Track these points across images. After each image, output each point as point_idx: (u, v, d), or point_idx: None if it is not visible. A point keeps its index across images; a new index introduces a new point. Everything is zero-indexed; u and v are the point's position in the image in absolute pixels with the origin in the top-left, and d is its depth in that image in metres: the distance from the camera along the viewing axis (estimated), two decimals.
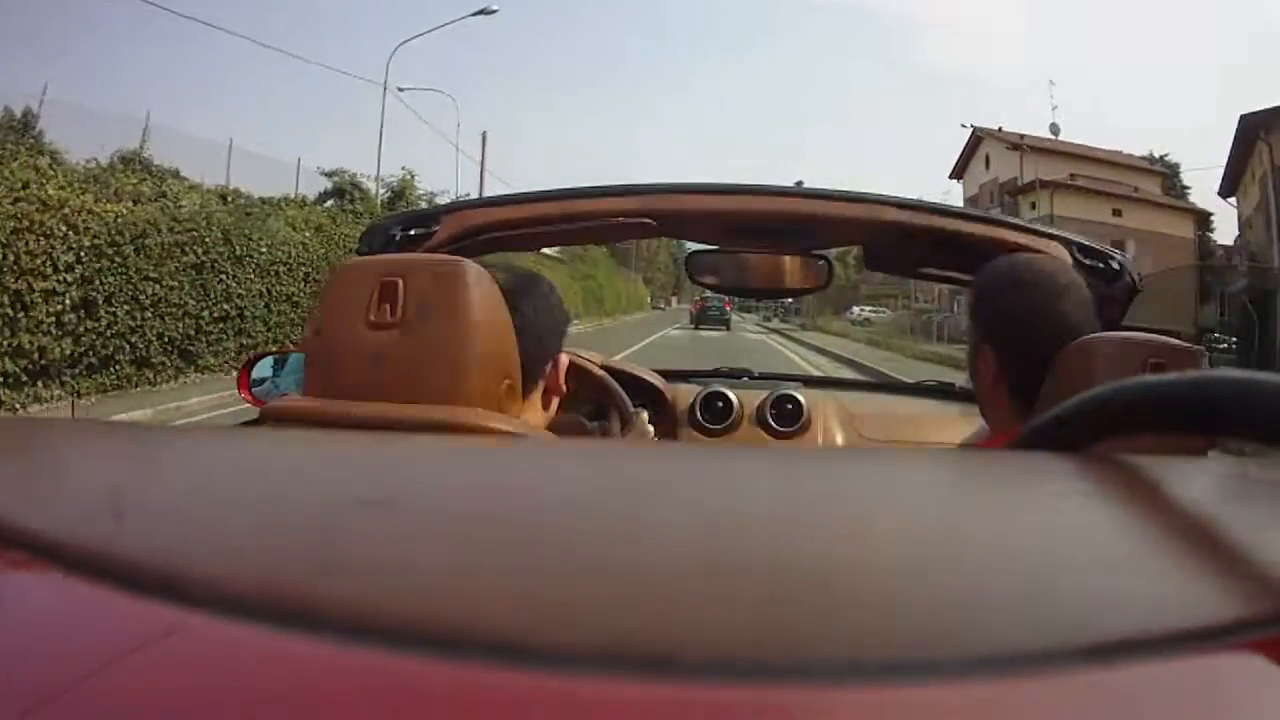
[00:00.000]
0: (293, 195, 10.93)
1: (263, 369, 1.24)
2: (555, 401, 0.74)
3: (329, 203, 12.75)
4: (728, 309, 25.18)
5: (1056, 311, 0.81)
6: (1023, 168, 23.93)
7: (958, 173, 28.88)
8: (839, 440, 1.48)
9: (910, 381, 1.95)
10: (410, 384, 0.56)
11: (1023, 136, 24.80)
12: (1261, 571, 0.21)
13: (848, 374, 10.35)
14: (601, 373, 1.21)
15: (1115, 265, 1.05)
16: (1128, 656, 0.18)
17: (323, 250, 8.64)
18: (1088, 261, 1.05)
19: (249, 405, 1.16)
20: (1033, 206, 22.95)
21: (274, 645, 0.19)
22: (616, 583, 0.21)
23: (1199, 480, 0.31)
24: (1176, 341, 0.77)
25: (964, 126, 27.43)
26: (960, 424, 1.30)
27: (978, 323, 0.88)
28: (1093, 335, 0.79)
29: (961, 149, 28.89)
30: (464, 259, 0.60)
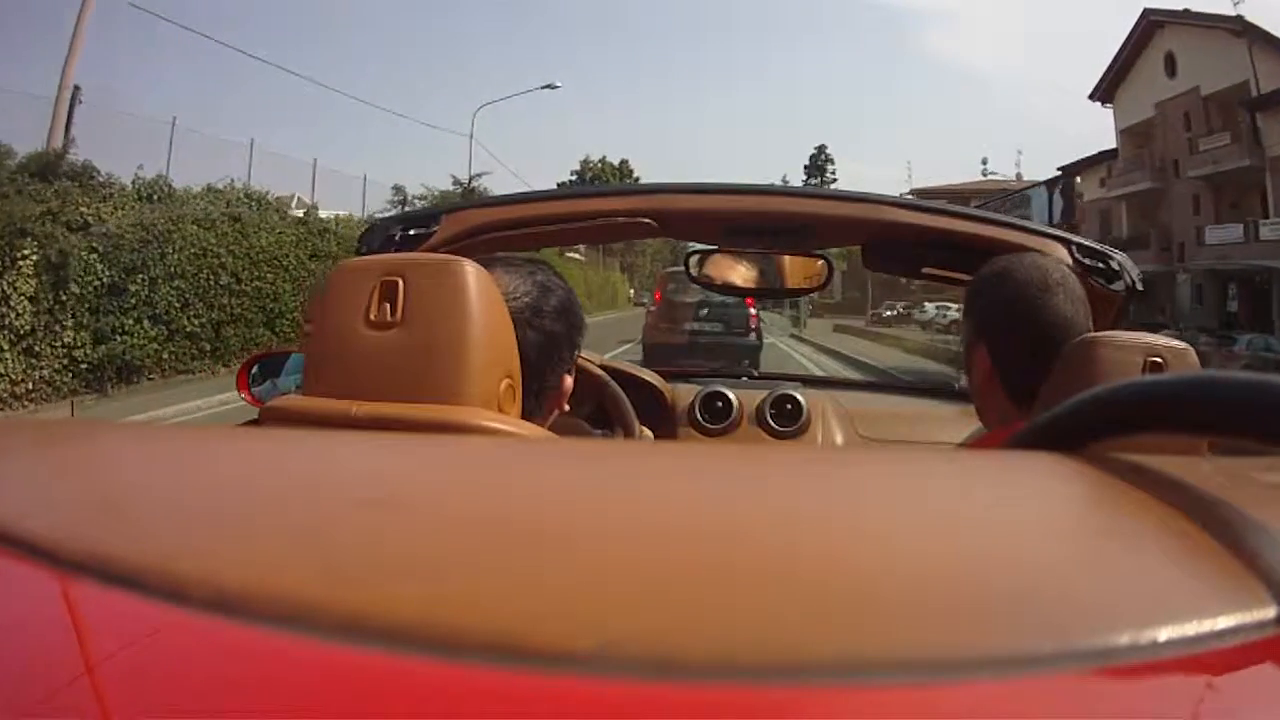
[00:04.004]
0: None
1: (262, 369, 1.25)
2: (554, 411, 0.75)
3: None
4: (751, 309, 9.79)
5: (1048, 308, 0.82)
6: (1255, 66, 14.37)
7: (1106, 91, 19.37)
8: (838, 440, 1.48)
9: (910, 381, 1.96)
10: (410, 384, 0.56)
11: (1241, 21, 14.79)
12: (1261, 572, 0.21)
13: None
14: (607, 378, 1.21)
15: (1114, 265, 1.06)
16: (1127, 657, 0.18)
17: None
18: (1087, 261, 1.05)
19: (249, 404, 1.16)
20: None
21: (274, 645, 0.19)
22: (617, 582, 0.21)
23: (1198, 480, 0.31)
24: (1176, 341, 0.78)
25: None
26: (960, 424, 1.31)
27: (972, 322, 0.89)
28: (1093, 335, 0.79)
29: (1117, 53, 18.56)
30: (464, 259, 0.60)
